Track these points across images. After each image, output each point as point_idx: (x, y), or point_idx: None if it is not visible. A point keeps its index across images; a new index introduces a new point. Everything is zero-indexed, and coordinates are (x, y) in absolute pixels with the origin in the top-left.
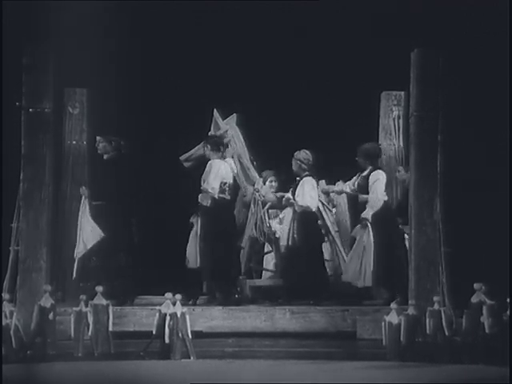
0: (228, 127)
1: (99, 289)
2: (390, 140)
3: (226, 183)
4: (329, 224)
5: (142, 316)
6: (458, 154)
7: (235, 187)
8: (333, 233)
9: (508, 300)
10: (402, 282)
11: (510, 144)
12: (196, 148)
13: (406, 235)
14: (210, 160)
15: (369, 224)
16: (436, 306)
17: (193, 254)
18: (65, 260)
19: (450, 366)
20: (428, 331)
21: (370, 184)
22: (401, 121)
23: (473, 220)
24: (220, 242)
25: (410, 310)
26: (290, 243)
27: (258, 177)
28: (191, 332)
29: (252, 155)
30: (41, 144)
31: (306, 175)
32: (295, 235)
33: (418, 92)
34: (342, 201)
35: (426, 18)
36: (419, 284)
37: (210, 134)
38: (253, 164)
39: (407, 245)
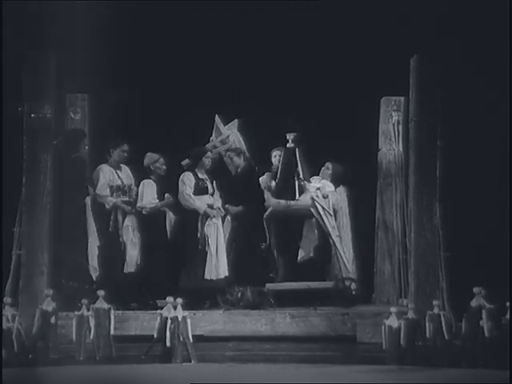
0: (229, 133)
1: (101, 293)
2: (390, 145)
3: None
4: (329, 228)
5: (144, 320)
6: (457, 159)
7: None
8: (334, 237)
9: (507, 304)
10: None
11: (510, 149)
12: None
13: None
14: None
15: None
16: (435, 310)
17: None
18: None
19: (450, 370)
20: (428, 335)
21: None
22: (400, 126)
23: (472, 224)
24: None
25: (410, 314)
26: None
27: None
28: (192, 336)
29: (253, 160)
30: (42, 149)
31: (148, 178)
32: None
33: (418, 97)
34: (344, 205)
35: (425, 24)
36: (419, 288)
37: (212, 139)
38: (254, 169)
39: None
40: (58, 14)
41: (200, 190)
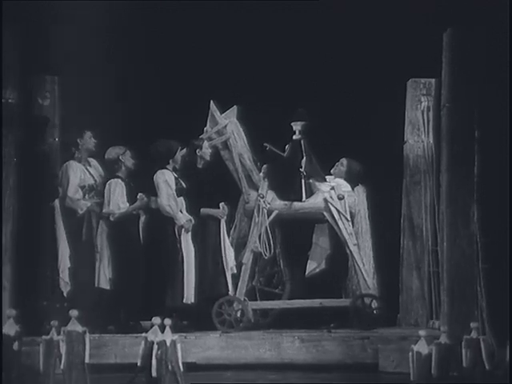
0: (227, 122)
1: (73, 313)
2: (418, 136)
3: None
4: (346, 235)
5: (125, 345)
6: (498, 153)
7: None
8: (351, 246)
9: None
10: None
11: None
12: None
13: None
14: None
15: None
16: (474, 334)
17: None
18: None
19: None
20: (464, 364)
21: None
22: (431, 113)
23: None
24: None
25: (443, 339)
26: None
27: (262, 180)
28: (183, 364)
29: (255, 155)
30: (4, 141)
31: (114, 177)
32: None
33: (452, 79)
34: (363, 208)
35: None
36: (453, 307)
37: (206, 129)
38: (256, 165)
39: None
40: None
41: (178, 191)
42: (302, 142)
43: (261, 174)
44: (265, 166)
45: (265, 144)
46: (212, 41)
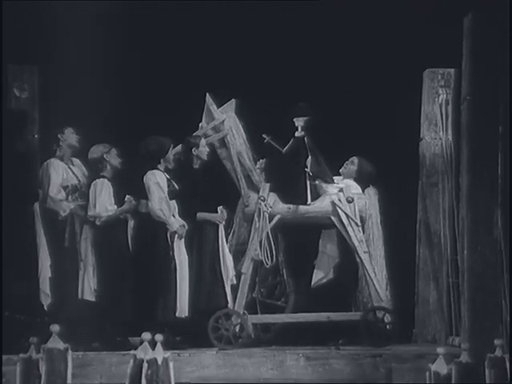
0: (225, 117)
1: (55, 328)
2: (436, 132)
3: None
4: (355, 242)
5: (112, 364)
6: None
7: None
8: (361, 254)
9: None
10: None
11: None
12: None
13: None
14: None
15: None
16: (498, 352)
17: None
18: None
19: None
20: None
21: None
22: (449, 107)
23: None
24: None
25: (464, 357)
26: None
27: (263, 181)
28: None
29: (255, 153)
30: None
31: (100, 177)
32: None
33: (473, 69)
34: (374, 212)
35: None
36: (475, 322)
37: (201, 125)
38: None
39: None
40: None
41: (171, 193)
42: (306, 139)
43: (257, 168)
44: (262, 160)
45: (264, 135)
46: (212, 39)
